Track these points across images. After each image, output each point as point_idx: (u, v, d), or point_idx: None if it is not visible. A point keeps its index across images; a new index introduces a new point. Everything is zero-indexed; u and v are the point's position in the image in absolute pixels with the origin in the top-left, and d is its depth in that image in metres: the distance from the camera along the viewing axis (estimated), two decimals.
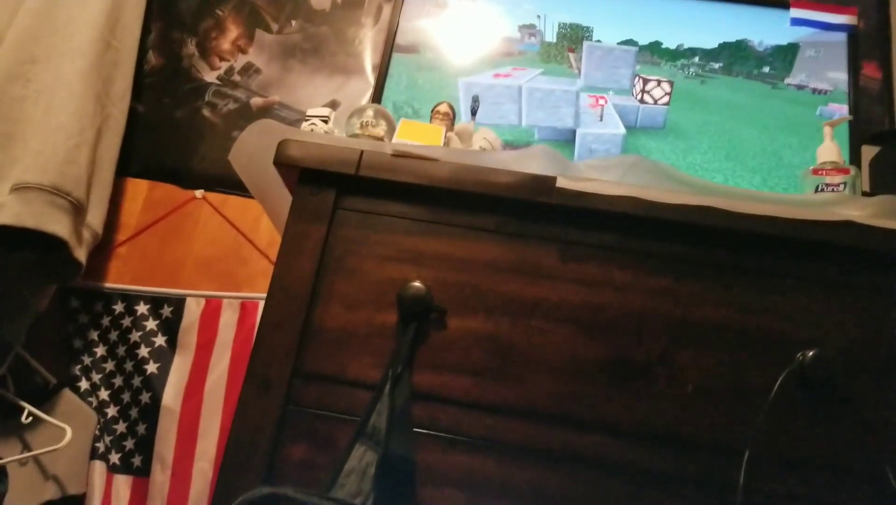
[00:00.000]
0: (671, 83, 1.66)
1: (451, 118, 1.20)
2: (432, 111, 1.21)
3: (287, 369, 0.80)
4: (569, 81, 1.68)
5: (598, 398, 0.78)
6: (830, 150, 1.06)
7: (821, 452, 0.76)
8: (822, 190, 1.01)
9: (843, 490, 0.74)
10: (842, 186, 1.00)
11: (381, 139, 1.06)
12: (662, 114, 1.64)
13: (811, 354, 0.76)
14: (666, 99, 1.65)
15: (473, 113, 1.36)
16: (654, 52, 1.71)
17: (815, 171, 1.03)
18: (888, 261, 0.81)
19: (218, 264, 1.56)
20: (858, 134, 1.50)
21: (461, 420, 0.78)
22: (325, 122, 1.09)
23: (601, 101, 1.65)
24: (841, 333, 0.80)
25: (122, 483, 1.42)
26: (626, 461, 0.76)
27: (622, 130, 1.62)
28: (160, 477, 1.40)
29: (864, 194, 1.20)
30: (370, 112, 1.08)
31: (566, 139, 1.61)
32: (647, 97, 1.66)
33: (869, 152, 1.44)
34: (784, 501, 0.74)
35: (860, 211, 0.86)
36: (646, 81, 1.67)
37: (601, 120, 1.63)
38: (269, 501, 0.66)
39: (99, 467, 1.42)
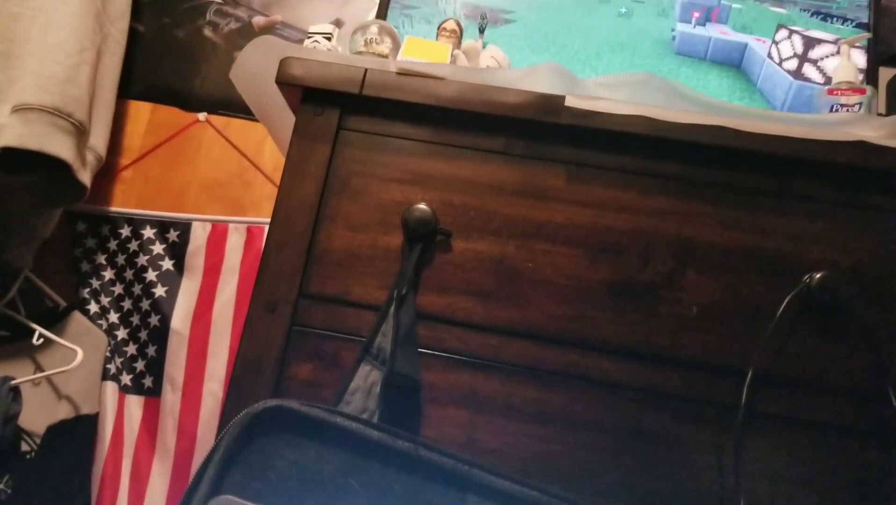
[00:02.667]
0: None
1: (458, 35, 1.17)
2: (438, 28, 1.18)
3: (293, 291, 0.80)
4: None
5: (603, 319, 0.78)
6: (847, 69, 1.03)
7: (825, 373, 0.76)
8: (837, 110, 0.99)
9: (846, 411, 0.75)
10: (857, 107, 0.98)
11: (385, 57, 1.03)
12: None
13: (818, 276, 0.76)
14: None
15: (481, 31, 1.32)
16: None
17: (831, 91, 1.01)
18: None
19: (223, 188, 1.56)
20: (877, 55, 1.46)
21: (465, 340, 0.78)
22: (328, 39, 1.06)
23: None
24: (851, 255, 0.79)
25: (134, 403, 1.45)
26: (629, 382, 0.76)
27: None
28: (171, 397, 1.42)
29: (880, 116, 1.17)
30: (374, 28, 1.05)
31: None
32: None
33: (887, 74, 1.40)
34: (786, 421, 0.75)
35: (874, 131, 0.84)
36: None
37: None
38: (278, 418, 0.67)
39: (111, 388, 1.45)
